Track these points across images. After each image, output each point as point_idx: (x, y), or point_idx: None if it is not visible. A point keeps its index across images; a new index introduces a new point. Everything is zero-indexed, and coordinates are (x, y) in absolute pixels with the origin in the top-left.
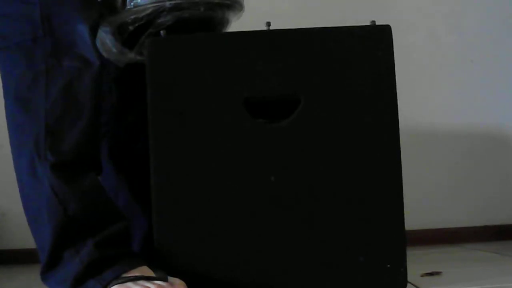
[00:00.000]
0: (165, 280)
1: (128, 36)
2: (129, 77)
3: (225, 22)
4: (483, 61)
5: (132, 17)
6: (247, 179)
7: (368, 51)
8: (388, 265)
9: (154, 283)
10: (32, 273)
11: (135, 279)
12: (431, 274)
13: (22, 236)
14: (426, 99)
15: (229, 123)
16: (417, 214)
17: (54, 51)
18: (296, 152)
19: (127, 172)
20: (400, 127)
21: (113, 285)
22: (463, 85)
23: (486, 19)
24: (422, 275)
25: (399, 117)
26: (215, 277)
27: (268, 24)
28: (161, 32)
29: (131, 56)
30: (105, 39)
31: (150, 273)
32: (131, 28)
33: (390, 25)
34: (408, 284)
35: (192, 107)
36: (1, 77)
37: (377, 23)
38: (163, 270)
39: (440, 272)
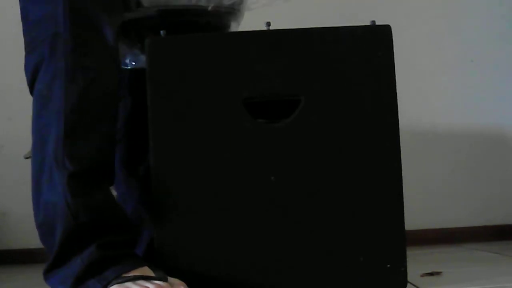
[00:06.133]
0: (165, 280)
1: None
2: (143, 83)
3: (222, 28)
4: (483, 61)
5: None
6: (247, 179)
7: (368, 51)
8: (388, 265)
9: (153, 283)
10: (32, 273)
11: (134, 278)
12: (431, 274)
13: (22, 236)
14: (426, 99)
15: (229, 123)
16: (417, 214)
17: (74, 48)
18: (296, 152)
19: (137, 178)
20: (400, 127)
21: (112, 285)
22: (463, 85)
23: (486, 19)
24: (422, 275)
25: (399, 117)
26: (215, 277)
27: (268, 24)
28: (161, 32)
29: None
30: None
31: (151, 273)
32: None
33: (390, 25)
34: (408, 284)
35: (192, 107)
36: (30, 80)
37: (377, 23)
38: (163, 270)
39: (440, 272)
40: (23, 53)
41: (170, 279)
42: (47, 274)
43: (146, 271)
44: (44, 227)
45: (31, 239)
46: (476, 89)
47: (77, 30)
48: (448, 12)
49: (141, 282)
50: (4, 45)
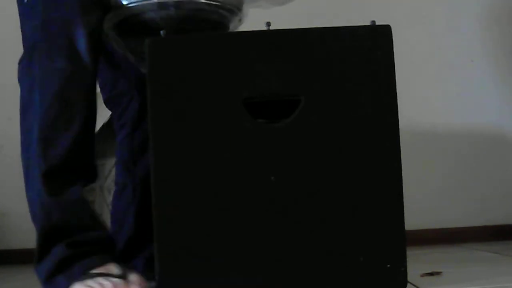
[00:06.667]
0: (125, 277)
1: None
2: None
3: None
4: (483, 61)
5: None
6: (247, 179)
7: (368, 51)
8: (388, 265)
9: (110, 281)
10: (32, 273)
11: (95, 276)
12: (431, 274)
13: (22, 236)
14: (426, 99)
15: (229, 123)
16: (417, 214)
17: (48, 52)
18: (296, 152)
19: (134, 177)
20: (400, 127)
21: (75, 283)
22: (463, 85)
23: (486, 19)
24: (422, 275)
25: (399, 117)
26: (215, 277)
27: (268, 24)
28: (161, 32)
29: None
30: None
31: (115, 270)
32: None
33: (390, 25)
34: (408, 284)
35: (192, 107)
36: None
37: (377, 23)
38: (126, 267)
39: (440, 272)
40: (22, 53)
41: (133, 276)
42: (35, 268)
43: (111, 268)
44: (33, 223)
45: (31, 239)
46: (476, 89)
47: (50, 38)
48: (448, 12)
49: (100, 279)
50: (4, 46)
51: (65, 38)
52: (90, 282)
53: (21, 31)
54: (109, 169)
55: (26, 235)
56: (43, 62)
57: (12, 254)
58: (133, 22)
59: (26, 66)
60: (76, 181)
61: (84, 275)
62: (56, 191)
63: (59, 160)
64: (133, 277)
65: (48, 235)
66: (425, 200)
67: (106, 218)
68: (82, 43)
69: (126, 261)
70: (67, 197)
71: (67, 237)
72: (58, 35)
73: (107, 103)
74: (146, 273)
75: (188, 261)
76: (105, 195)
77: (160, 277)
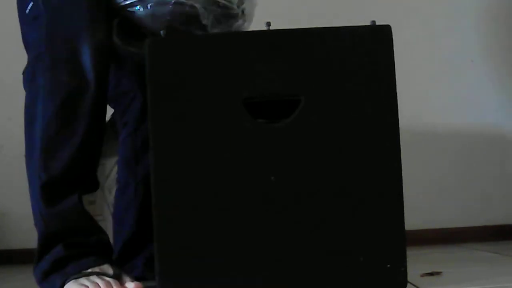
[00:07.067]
0: (118, 278)
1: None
2: None
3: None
4: (483, 61)
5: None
6: (247, 179)
7: (368, 51)
8: (388, 265)
9: (103, 279)
10: (32, 273)
11: (89, 274)
12: (431, 274)
13: (22, 236)
14: (426, 99)
15: (229, 123)
16: (417, 214)
17: (52, 65)
18: (296, 152)
19: (136, 180)
20: (400, 127)
21: (70, 280)
22: (463, 85)
23: (486, 19)
24: (422, 275)
25: (399, 117)
26: (215, 277)
27: (268, 24)
28: (161, 32)
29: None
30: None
31: (109, 270)
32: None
33: (390, 25)
34: (408, 284)
35: (192, 107)
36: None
37: (377, 23)
38: (122, 269)
39: (440, 272)
40: (23, 52)
41: (128, 278)
42: (33, 269)
43: (105, 268)
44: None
45: (31, 239)
46: (476, 89)
47: (54, 51)
48: (448, 12)
49: (93, 278)
50: (4, 45)
51: (70, 52)
52: (84, 280)
53: (23, 38)
54: (110, 169)
55: (26, 235)
56: (47, 74)
57: (12, 254)
58: (127, 21)
59: (30, 76)
60: (74, 191)
61: (79, 274)
62: (52, 202)
63: (59, 172)
64: (128, 278)
65: (47, 240)
66: (425, 200)
67: (106, 217)
68: (87, 59)
69: (127, 260)
70: (63, 206)
71: (64, 238)
72: (62, 49)
73: (110, 101)
74: (146, 273)
75: (188, 261)
76: (105, 194)
77: (160, 277)
